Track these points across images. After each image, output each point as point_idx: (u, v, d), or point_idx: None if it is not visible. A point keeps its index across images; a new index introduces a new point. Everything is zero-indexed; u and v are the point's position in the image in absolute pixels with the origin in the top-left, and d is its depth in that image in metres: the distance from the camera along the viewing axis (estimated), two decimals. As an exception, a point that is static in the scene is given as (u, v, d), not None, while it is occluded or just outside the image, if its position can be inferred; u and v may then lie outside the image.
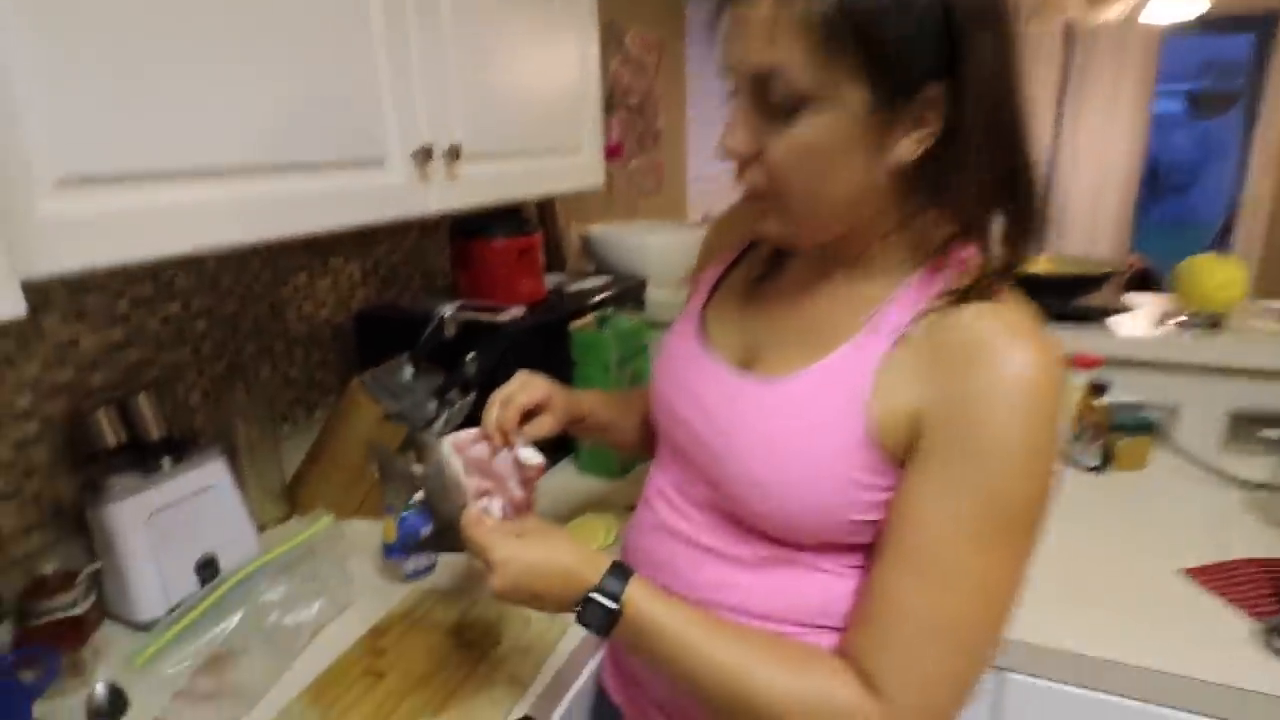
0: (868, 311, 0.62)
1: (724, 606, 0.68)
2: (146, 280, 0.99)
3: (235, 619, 0.87)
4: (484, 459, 0.76)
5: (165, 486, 0.91)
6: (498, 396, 0.80)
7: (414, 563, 0.96)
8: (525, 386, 0.81)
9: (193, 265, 1.05)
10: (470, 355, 1.06)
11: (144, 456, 0.92)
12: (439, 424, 1.05)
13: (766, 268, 0.73)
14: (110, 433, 0.90)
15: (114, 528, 0.86)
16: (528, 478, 0.75)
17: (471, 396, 1.09)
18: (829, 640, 0.65)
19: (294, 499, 1.13)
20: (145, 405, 0.92)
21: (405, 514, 0.94)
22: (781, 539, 0.65)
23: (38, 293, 0.86)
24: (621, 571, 0.63)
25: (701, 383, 0.70)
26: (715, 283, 0.78)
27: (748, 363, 0.68)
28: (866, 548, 0.63)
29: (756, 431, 0.63)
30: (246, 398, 1.06)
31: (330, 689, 0.77)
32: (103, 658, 0.84)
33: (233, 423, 1.05)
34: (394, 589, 0.94)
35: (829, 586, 0.65)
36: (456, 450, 0.75)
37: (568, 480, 1.23)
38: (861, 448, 0.59)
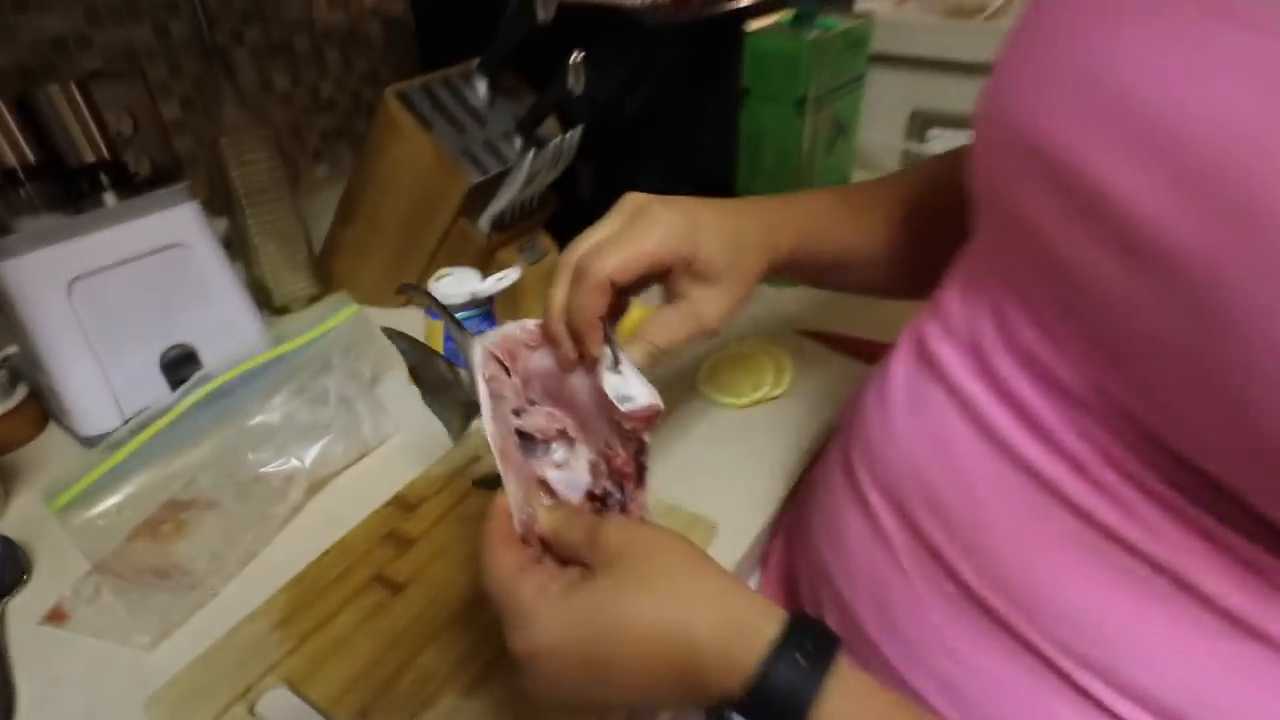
0: None
1: (1118, 680, 0.28)
2: (47, -112, 0.59)
3: (203, 452, 0.57)
4: (553, 374, 0.39)
5: (102, 236, 0.58)
6: (573, 252, 0.39)
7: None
8: (633, 231, 0.38)
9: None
10: (575, 57, 0.61)
11: (68, 187, 0.59)
12: (521, 175, 0.64)
13: None
14: (6, 145, 0.56)
15: (19, 293, 0.55)
16: (624, 431, 0.36)
17: (575, 134, 0.66)
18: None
19: (328, 275, 0.79)
20: (62, 105, 0.57)
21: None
22: None
23: None
24: (803, 654, 0.26)
25: (1195, 82, 0.23)
26: None
27: None
28: None
29: None
30: (244, 113, 0.69)
31: (314, 601, 0.46)
32: (23, 487, 0.58)
33: (220, 151, 0.69)
34: (440, 432, 0.61)
35: None
36: (502, 357, 0.39)
37: (715, 281, 0.83)
38: None
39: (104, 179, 0.60)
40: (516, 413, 0.39)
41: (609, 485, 0.37)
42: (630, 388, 0.36)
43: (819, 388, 0.65)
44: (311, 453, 0.55)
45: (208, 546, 0.50)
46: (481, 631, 0.44)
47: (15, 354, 0.60)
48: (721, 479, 0.55)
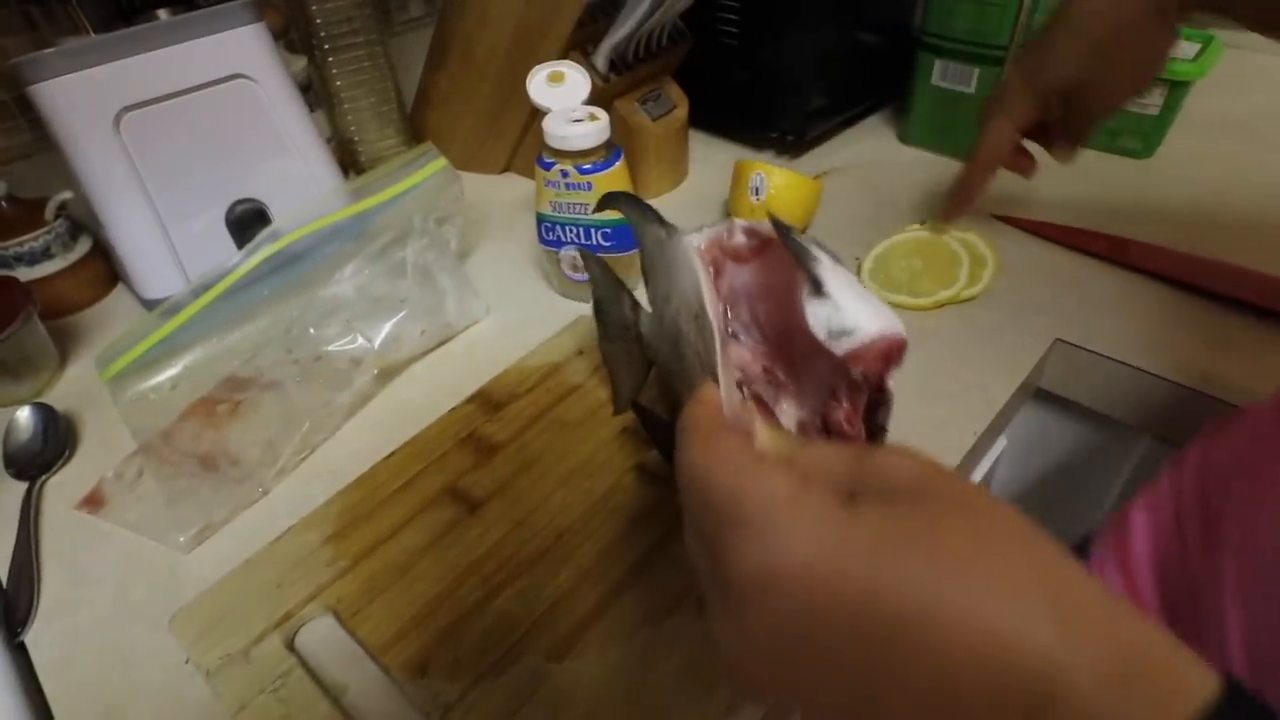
0: None
1: None
2: None
3: (267, 323, 0.49)
4: (764, 294, 0.29)
5: (151, 59, 0.48)
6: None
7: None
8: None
9: None
10: None
11: (119, 7, 0.50)
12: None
13: None
14: (43, -56, 0.47)
15: (60, 123, 0.47)
16: (851, 376, 0.24)
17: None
18: None
19: (420, 131, 0.68)
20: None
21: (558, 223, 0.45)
22: None
23: None
24: None
25: None
26: None
27: None
28: None
29: None
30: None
31: (375, 512, 0.37)
32: (81, 353, 0.51)
33: (297, -29, 0.58)
34: (543, 310, 0.50)
35: None
36: (716, 258, 0.30)
37: (879, 149, 0.65)
38: None
39: (159, -6, 0.50)
40: None
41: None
42: (848, 316, 0.23)
43: (1031, 287, 0.48)
44: (383, 331, 0.45)
45: (264, 433, 0.42)
46: (579, 573, 0.33)
47: (72, 200, 0.53)
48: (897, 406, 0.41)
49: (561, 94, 0.46)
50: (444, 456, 0.39)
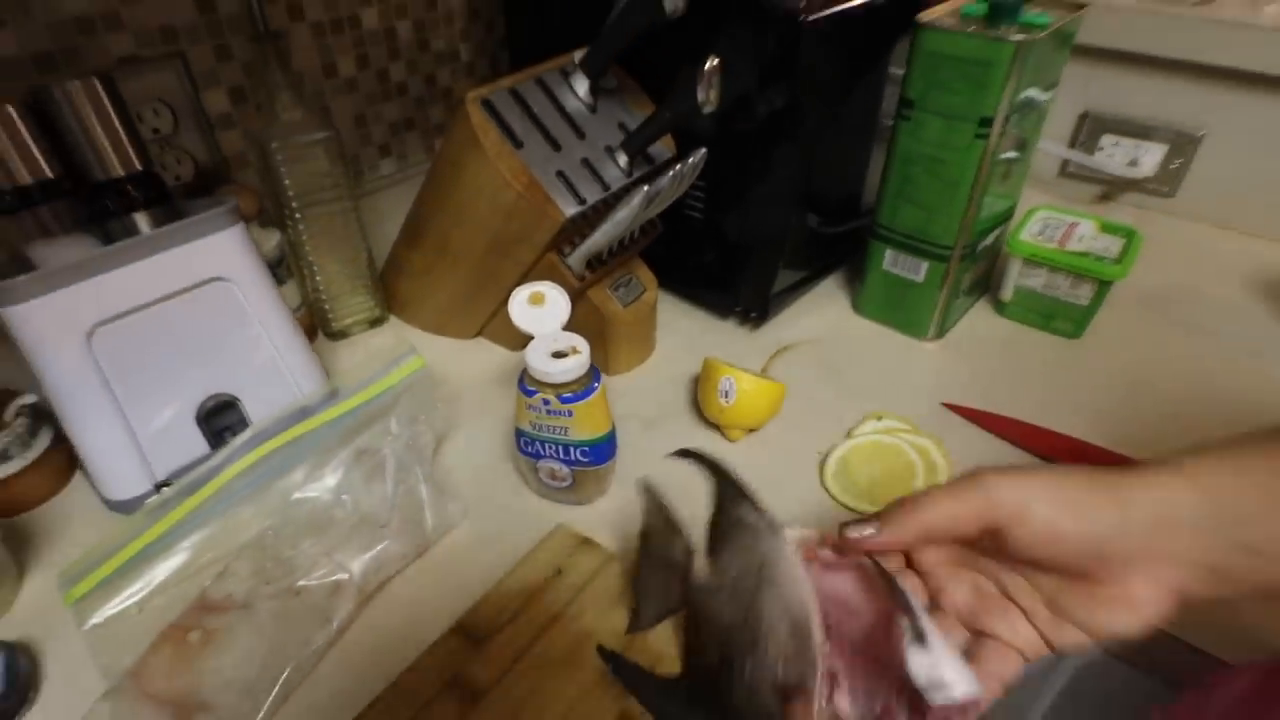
0: None
1: None
2: None
3: (239, 527, 0.48)
4: (851, 603, 0.32)
5: (128, 272, 0.48)
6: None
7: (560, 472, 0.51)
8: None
9: None
10: (709, 63, 0.48)
11: (92, 204, 0.49)
12: (628, 212, 0.52)
13: None
14: (18, 157, 0.47)
15: (29, 344, 0.47)
16: (919, 703, 0.29)
17: (698, 158, 0.53)
18: None
19: (391, 294, 0.69)
20: (84, 106, 0.47)
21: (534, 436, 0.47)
22: None
23: None
24: None
25: None
26: None
27: None
28: None
29: None
30: (301, 111, 0.58)
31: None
32: (40, 559, 0.50)
33: (272, 157, 0.58)
34: (519, 514, 0.51)
35: None
36: (815, 565, 0.34)
37: (834, 319, 0.69)
38: None
39: (134, 194, 0.50)
40: None
41: None
42: (945, 672, 0.28)
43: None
44: (363, 560, 0.45)
45: (240, 672, 0.42)
46: None
47: (35, 402, 0.52)
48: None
49: (542, 316, 0.48)
50: (429, 707, 0.40)
